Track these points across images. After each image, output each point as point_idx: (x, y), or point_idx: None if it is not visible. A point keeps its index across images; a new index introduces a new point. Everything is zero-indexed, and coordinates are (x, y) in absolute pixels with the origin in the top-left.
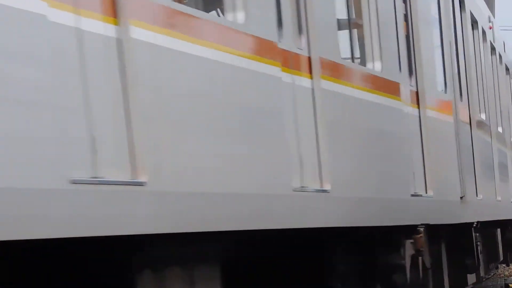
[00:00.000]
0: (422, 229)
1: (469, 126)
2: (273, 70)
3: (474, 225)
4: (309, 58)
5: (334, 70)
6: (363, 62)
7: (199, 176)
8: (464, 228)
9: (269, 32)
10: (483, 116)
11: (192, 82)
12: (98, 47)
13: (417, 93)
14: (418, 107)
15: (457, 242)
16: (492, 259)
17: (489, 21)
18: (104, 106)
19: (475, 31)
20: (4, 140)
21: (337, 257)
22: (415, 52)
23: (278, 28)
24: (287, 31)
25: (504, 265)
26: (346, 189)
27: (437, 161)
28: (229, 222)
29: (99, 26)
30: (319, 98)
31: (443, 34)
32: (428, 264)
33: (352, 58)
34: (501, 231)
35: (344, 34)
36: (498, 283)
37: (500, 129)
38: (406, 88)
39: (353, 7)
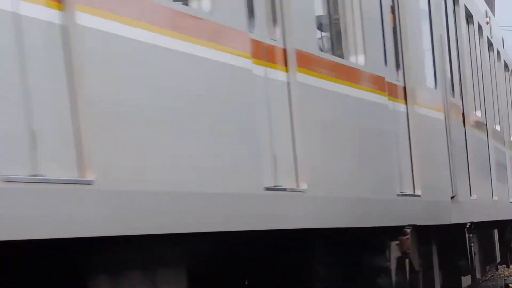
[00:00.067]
0: (409, 230)
1: (462, 123)
2: (243, 62)
3: (468, 226)
4: (284, 50)
5: (312, 63)
6: (345, 56)
7: (158, 174)
8: (457, 229)
9: (238, 21)
10: (478, 114)
11: (148, 73)
12: (39, 34)
13: (404, 88)
14: (406, 103)
15: (449, 243)
16: (489, 260)
17: (486, 16)
18: (47, 98)
19: (470, 26)
20: None
21: (320, 259)
22: (403, 46)
23: (249, 17)
24: (260, 20)
25: (504, 265)
26: (324, 188)
27: (426, 159)
28: (193, 223)
29: (41, 11)
30: (295, 92)
31: (433, 28)
32: (417, 267)
33: (333, 50)
34: (499, 232)
35: (324, 25)
36: (498, 283)
37: (497, 127)
38: (393, 83)
39: None
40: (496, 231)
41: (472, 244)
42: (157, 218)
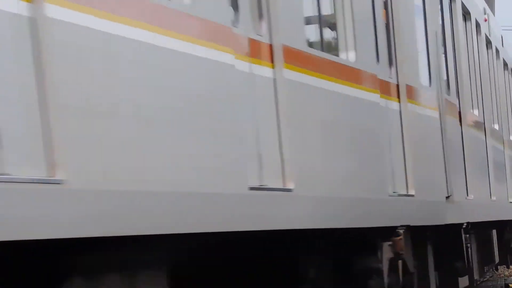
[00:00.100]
0: (402, 231)
1: (458, 122)
2: (225, 57)
3: (464, 226)
4: (271, 46)
5: (300, 59)
6: (335, 52)
7: (134, 173)
8: (453, 230)
9: (221, 16)
10: (475, 112)
11: (124, 67)
12: (4, 26)
13: (397, 86)
14: (399, 101)
15: (446, 244)
16: (488, 261)
17: (484, 13)
18: (13, 94)
19: (468, 23)
20: None
21: (310, 260)
22: (396, 42)
23: (233, 11)
24: (245, 15)
25: (504, 266)
26: (312, 188)
27: (420, 158)
28: (173, 224)
29: (8, 3)
30: (281, 88)
31: (427, 24)
32: (411, 268)
33: (322, 47)
34: (498, 232)
35: (313, 21)
36: (498, 283)
37: (496, 126)
38: (385, 80)
39: None
40: (494, 231)
41: (468, 244)
42: (133, 219)
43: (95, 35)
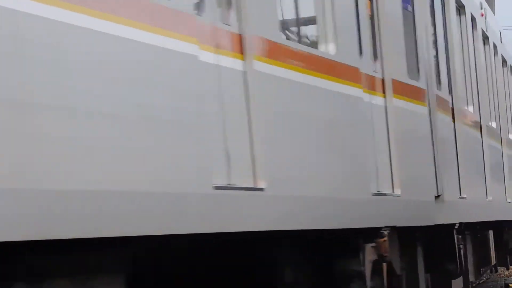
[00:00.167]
0: (386, 232)
1: (451, 118)
2: (188, 47)
3: (457, 227)
4: (241, 36)
5: (273, 51)
6: (313, 44)
7: (74, 172)
8: (445, 230)
9: (183, 3)
10: (470, 109)
11: (68, 56)
12: None
13: (382, 80)
14: (384, 96)
15: (437, 245)
16: (484, 262)
17: (481, 8)
18: None
19: (462, 17)
20: None
21: (287, 262)
22: (381, 35)
23: None
24: (211, 2)
25: (503, 268)
26: (286, 187)
27: (407, 156)
28: (129, 226)
29: None
30: (253, 81)
31: (416, 17)
32: (398, 270)
33: (299, 38)
34: (496, 233)
35: (289, 10)
36: (498, 283)
37: (493, 124)
38: (369, 74)
39: None
40: (491, 232)
41: (461, 245)
42: (79, 220)
43: (48, 25)
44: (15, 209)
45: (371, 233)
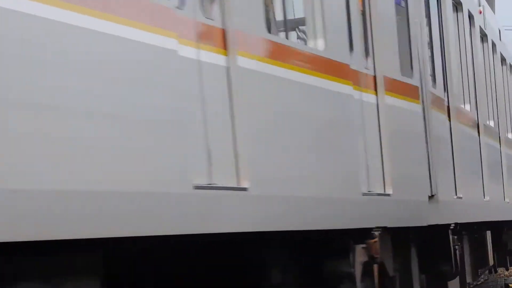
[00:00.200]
0: (377, 233)
1: (446, 117)
2: (166, 42)
3: (452, 227)
4: (223, 31)
5: (258, 46)
6: (303, 40)
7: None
8: (440, 231)
9: None
10: (467, 107)
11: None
12: None
13: (374, 77)
14: (376, 93)
15: (431, 246)
16: (482, 263)
17: (479, 5)
18: None
19: (459, 14)
20: None
21: (275, 264)
22: (372, 31)
23: None
24: None
25: (503, 268)
26: (271, 186)
27: (399, 155)
28: (104, 227)
29: None
30: (236, 77)
31: (409, 13)
32: (391, 272)
33: (286, 34)
34: (495, 234)
35: (275, 4)
36: (498, 283)
37: (491, 123)
38: (360, 71)
39: None
40: (489, 232)
41: (457, 246)
42: (59, 221)
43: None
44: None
45: (362, 234)
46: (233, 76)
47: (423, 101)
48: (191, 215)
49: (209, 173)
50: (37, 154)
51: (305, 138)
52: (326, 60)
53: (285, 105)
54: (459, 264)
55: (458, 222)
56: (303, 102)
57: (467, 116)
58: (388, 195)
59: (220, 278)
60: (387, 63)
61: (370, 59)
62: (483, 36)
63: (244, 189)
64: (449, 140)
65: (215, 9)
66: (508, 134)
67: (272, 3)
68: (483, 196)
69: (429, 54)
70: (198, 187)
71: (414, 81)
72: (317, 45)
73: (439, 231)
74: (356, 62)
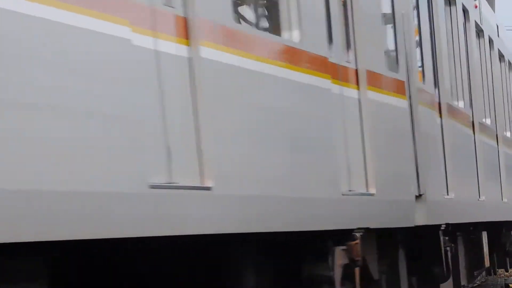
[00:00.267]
0: (358, 235)
1: (437, 113)
2: (118, 30)
3: (443, 228)
4: (185, 19)
5: (224, 36)
6: (274, 30)
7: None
8: (430, 232)
9: None
10: (461, 105)
11: None
12: None
13: (356, 71)
14: (358, 88)
15: (422, 248)
16: (478, 265)
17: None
18: None
19: (452, 7)
20: None
21: (250, 267)
22: (355, 23)
23: None
24: None
25: (503, 269)
26: (239, 185)
27: (383, 152)
28: (53, 229)
29: None
30: (199, 69)
31: (395, 4)
32: (376, 275)
33: (257, 24)
34: (494, 235)
35: None
36: (498, 283)
37: (487, 121)
38: (340, 64)
39: None
40: (485, 233)
41: (448, 248)
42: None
43: None
44: None
45: (342, 236)
46: (196, 67)
47: (410, 97)
48: (147, 216)
49: (168, 172)
50: None
51: (278, 134)
52: (301, 52)
53: (255, 99)
54: (451, 266)
55: (449, 222)
56: (275, 96)
57: (461, 113)
58: (372, 194)
59: (189, 282)
60: (370, 56)
61: (352, 52)
62: (479, 32)
63: (208, 188)
64: (440, 138)
65: None
66: (506, 132)
67: None
68: (478, 196)
69: (418, 48)
70: (154, 186)
71: (400, 76)
72: (292, 36)
73: (429, 232)
74: (336, 55)
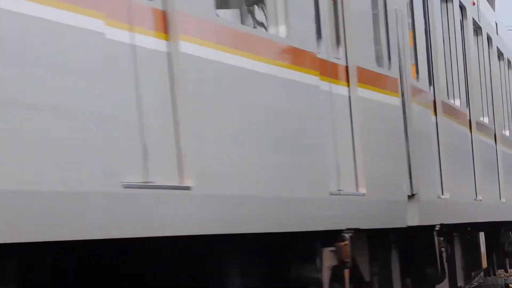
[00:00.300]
0: (348, 235)
1: (432, 111)
2: (90, 23)
3: (437, 229)
4: (164, 13)
5: (205, 31)
6: (259, 25)
7: None
8: (425, 232)
9: None
10: (457, 102)
11: None
12: None
13: (346, 67)
14: (348, 85)
15: (416, 249)
16: (476, 266)
17: None
18: None
19: (449, 4)
20: None
21: (235, 269)
22: (345, 19)
23: None
24: None
25: (502, 270)
26: (220, 185)
27: (374, 151)
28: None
29: None
30: (178, 64)
31: (387, 1)
32: (367, 277)
33: (241, 18)
34: (493, 235)
35: None
36: (498, 283)
37: (485, 119)
38: (329, 60)
39: None
40: (482, 233)
41: (443, 248)
42: None
43: None
44: None
45: (331, 237)
46: (174, 62)
47: (402, 94)
48: (120, 217)
49: (144, 171)
50: None
51: (262, 132)
52: (288, 48)
53: (238, 96)
54: (446, 267)
55: (443, 223)
56: (259, 93)
57: (457, 112)
58: (362, 194)
59: (174, 283)
60: (361, 52)
61: (342, 48)
62: (477, 29)
63: (188, 188)
64: (435, 136)
65: None
66: (505, 131)
67: None
68: (475, 196)
69: (412, 44)
70: (128, 186)
71: (392, 73)
72: (278, 31)
73: (423, 232)
74: (325, 51)
